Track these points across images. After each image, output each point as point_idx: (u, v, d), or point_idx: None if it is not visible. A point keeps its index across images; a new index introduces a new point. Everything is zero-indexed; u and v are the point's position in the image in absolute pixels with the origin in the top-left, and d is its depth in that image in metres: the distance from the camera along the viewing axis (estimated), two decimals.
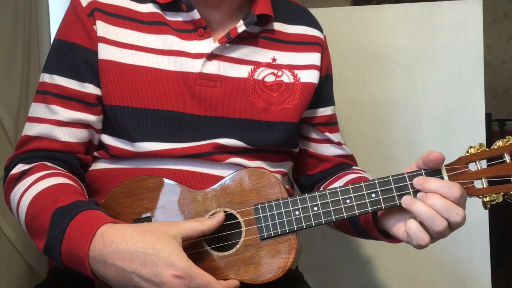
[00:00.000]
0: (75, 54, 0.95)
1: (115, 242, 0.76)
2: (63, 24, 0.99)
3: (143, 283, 0.76)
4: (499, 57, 3.95)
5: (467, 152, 0.85)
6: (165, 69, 0.95)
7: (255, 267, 0.86)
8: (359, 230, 0.97)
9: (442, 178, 0.84)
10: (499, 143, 0.83)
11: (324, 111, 1.11)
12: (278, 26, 1.06)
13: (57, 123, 0.94)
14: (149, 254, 0.75)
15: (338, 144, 1.13)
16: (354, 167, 1.14)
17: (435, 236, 0.82)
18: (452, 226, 0.81)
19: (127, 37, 0.96)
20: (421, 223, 0.81)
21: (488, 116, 2.39)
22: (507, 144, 0.83)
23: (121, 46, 0.95)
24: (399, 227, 0.86)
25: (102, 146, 0.98)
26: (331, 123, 1.13)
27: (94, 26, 0.95)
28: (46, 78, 0.96)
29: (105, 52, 0.94)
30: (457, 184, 0.81)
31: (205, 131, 0.96)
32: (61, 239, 0.78)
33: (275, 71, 1.02)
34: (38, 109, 0.96)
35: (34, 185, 0.86)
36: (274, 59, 1.03)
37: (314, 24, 1.11)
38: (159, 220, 0.88)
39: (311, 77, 1.05)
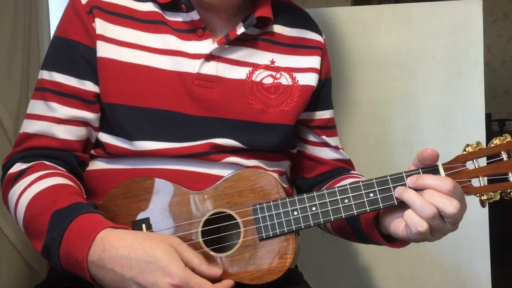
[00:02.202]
0: (74, 51, 0.95)
1: (115, 248, 0.76)
2: (62, 21, 0.99)
3: None
4: (499, 57, 3.95)
5: (465, 150, 0.85)
6: (163, 68, 0.95)
7: (254, 268, 0.86)
8: (359, 234, 0.96)
9: None
10: (496, 141, 0.83)
11: (322, 115, 1.11)
12: (277, 28, 1.06)
13: (55, 121, 0.94)
14: (148, 262, 0.75)
15: (336, 148, 1.12)
16: (352, 172, 1.14)
17: (430, 223, 0.81)
18: (449, 219, 0.81)
19: (126, 36, 0.96)
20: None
21: (488, 116, 2.38)
22: (504, 142, 0.83)
23: (120, 44, 0.95)
24: (398, 223, 0.86)
25: (99, 144, 0.98)
26: (329, 127, 1.12)
27: (93, 24, 0.95)
28: (45, 75, 0.96)
29: (103, 50, 0.94)
30: (449, 178, 0.81)
31: (202, 132, 0.96)
32: (60, 242, 0.78)
33: (274, 73, 1.02)
34: (36, 106, 0.95)
35: (33, 185, 0.86)
36: (272, 61, 1.03)
37: (314, 28, 1.11)
38: (157, 222, 0.88)
39: (310, 79, 1.05)
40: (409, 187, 0.84)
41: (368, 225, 0.93)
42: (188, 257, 0.79)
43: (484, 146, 0.84)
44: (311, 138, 1.11)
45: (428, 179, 0.82)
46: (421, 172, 0.84)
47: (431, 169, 0.84)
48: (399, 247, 0.92)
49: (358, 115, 1.53)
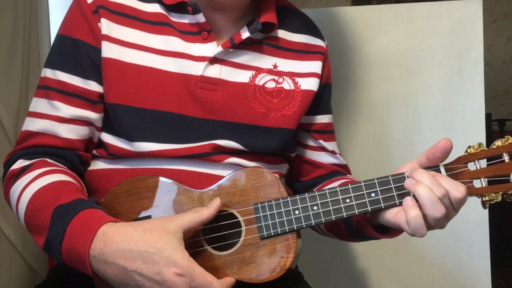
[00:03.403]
0: (78, 50, 0.95)
1: (116, 241, 0.76)
2: (67, 20, 0.98)
3: (145, 282, 0.76)
4: (499, 57, 3.95)
5: (466, 151, 0.85)
6: (167, 70, 0.95)
7: (255, 267, 0.86)
8: (351, 227, 0.96)
9: None
10: (498, 142, 0.84)
11: (321, 119, 1.11)
12: (281, 33, 1.06)
13: (59, 120, 0.93)
14: (151, 253, 0.76)
15: (332, 153, 1.12)
16: (348, 175, 1.14)
17: (432, 224, 0.82)
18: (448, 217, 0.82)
19: (131, 36, 0.95)
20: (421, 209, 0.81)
21: (488, 116, 2.39)
22: (506, 143, 0.83)
23: (125, 45, 0.95)
24: (395, 214, 0.85)
25: (101, 144, 0.98)
26: (326, 131, 1.13)
27: (98, 24, 0.95)
28: (48, 73, 0.96)
29: (108, 50, 0.94)
30: (463, 186, 0.81)
31: (203, 133, 0.96)
32: (62, 237, 0.78)
33: (276, 78, 1.02)
34: (39, 105, 0.95)
35: (35, 182, 0.86)
36: (275, 66, 1.03)
37: (317, 33, 1.12)
38: None
39: (311, 84, 1.05)
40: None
41: (359, 217, 0.93)
42: (188, 223, 0.81)
43: (486, 148, 0.84)
44: (310, 142, 1.12)
45: (445, 182, 0.81)
46: None
47: (433, 169, 0.84)
48: (390, 237, 0.92)
49: (358, 115, 1.54)
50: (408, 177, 0.84)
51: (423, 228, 0.80)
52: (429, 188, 0.80)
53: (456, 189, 0.80)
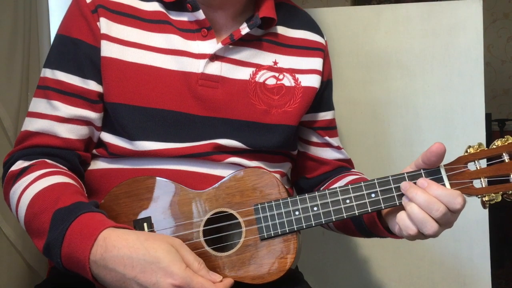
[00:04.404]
0: (77, 50, 0.95)
1: (117, 248, 0.76)
2: (66, 20, 0.99)
3: None
4: (499, 57, 3.95)
5: (466, 151, 0.85)
6: (167, 68, 0.95)
7: (255, 267, 0.86)
8: (363, 228, 0.97)
9: (441, 178, 0.84)
10: (498, 142, 0.83)
11: (325, 116, 1.12)
12: (280, 30, 1.06)
13: (58, 119, 0.94)
14: (149, 262, 0.76)
15: (338, 148, 1.13)
16: (353, 170, 1.15)
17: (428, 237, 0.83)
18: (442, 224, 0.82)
19: (131, 35, 0.96)
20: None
21: (488, 116, 2.38)
22: (506, 143, 0.83)
23: (124, 44, 0.95)
24: (395, 222, 0.86)
25: (101, 144, 0.98)
26: (331, 128, 1.13)
27: (97, 23, 0.95)
28: (48, 73, 0.96)
29: (108, 50, 0.94)
30: (460, 195, 0.81)
31: (205, 132, 0.96)
32: (61, 242, 0.78)
33: (277, 74, 1.02)
34: (39, 105, 0.95)
35: (35, 183, 0.86)
36: (275, 62, 1.03)
37: (316, 29, 1.12)
38: (159, 221, 0.89)
39: (313, 81, 1.05)
40: (418, 185, 0.83)
41: (371, 219, 0.94)
42: (189, 260, 0.79)
43: (486, 148, 0.84)
44: (314, 139, 1.12)
45: (439, 192, 0.81)
46: (422, 173, 0.85)
47: (433, 170, 0.84)
48: (401, 237, 0.93)
49: (358, 115, 1.53)
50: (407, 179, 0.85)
51: (409, 226, 0.82)
52: (418, 207, 0.81)
53: (454, 201, 0.80)
